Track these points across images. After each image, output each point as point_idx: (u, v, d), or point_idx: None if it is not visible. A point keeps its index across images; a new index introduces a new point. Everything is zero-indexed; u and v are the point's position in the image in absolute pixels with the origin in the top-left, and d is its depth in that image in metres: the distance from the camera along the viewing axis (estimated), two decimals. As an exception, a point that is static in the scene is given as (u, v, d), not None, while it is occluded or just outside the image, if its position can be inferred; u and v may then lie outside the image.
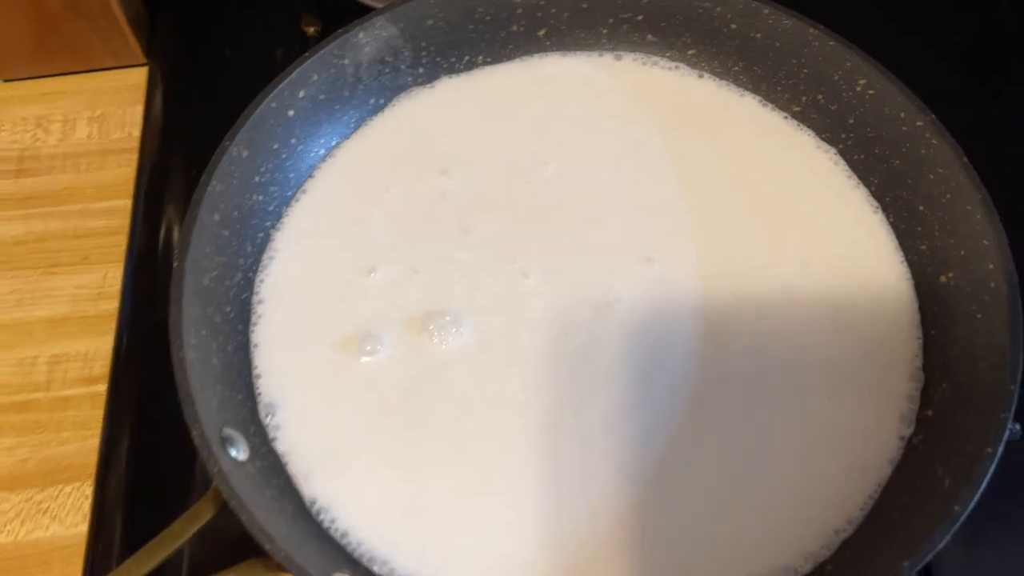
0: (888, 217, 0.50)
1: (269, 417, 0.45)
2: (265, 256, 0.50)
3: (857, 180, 0.52)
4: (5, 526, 0.50)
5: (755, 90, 0.55)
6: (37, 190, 0.61)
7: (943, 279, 0.47)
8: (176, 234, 0.59)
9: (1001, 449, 0.39)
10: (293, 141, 0.51)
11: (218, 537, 0.42)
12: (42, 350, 0.55)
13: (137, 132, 0.64)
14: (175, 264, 0.44)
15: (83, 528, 0.50)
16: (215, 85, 0.67)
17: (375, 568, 0.42)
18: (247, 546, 0.38)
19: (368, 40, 0.53)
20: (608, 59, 0.57)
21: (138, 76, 0.66)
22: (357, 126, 0.54)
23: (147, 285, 0.57)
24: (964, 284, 0.46)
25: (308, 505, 0.43)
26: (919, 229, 0.49)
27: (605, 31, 0.56)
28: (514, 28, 0.56)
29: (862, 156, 0.52)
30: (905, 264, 0.49)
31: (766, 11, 0.52)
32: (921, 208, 0.49)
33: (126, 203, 0.60)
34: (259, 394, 0.46)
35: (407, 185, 0.52)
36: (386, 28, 0.53)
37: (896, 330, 0.47)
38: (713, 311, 0.48)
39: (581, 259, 0.50)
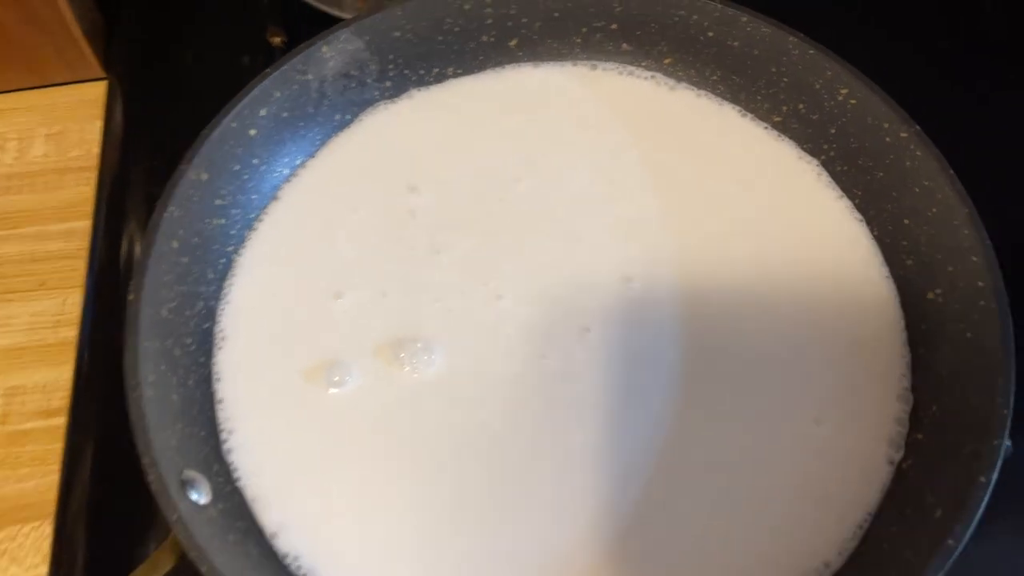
0: (873, 231, 0.49)
1: (233, 455, 0.43)
2: (227, 283, 0.47)
3: (840, 192, 0.50)
4: (-40, 570, 0.48)
5: (734, 100, 0.53)
6: (-9, 212, 0.59)
7: (931, 296, 0.45)
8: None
9: (995, 477, 0.38)
10: (255, 161, 0.49)
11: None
12: (-3, 382, 0.53)
13: (96, 149, 0.61)
14: (130, 297, 0.42)
15: (43, 570, 0.48)
16: (178, 97, 0.64)
17: (346, 613, 0.40)
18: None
19: (332, 54, 0.50)
20: (582, 69, 0.55)
21: (96, 90, 0.64)
22: (322, 143, 0.52)
23: (108, 311, 0.55)
24: (952, 301, 0.44)
25: (275, 549, 0.41)
26: (905, 244, 0.47)
27: (578, 40, 0.54)
28: (484, 39, 0.54)
29: (845, 167, 0.50)
30: (891, 280, 0.47)
31: (744, 19, 0.51)
32: (906, 222, 0.47)
33: (85, 224, 0.58)
34: (222, 430, 0.44)
35: (375, 204, 0.50)
36: (351, 41, 0.51)
37: (883, 348, 0.46)
38: (694, 333, 0.46)
39: (556, 279, 0.48)
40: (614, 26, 0.54)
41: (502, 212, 0.50)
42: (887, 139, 0.48)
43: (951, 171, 0.45)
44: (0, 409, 0.52)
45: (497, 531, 0.42)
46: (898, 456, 0.43)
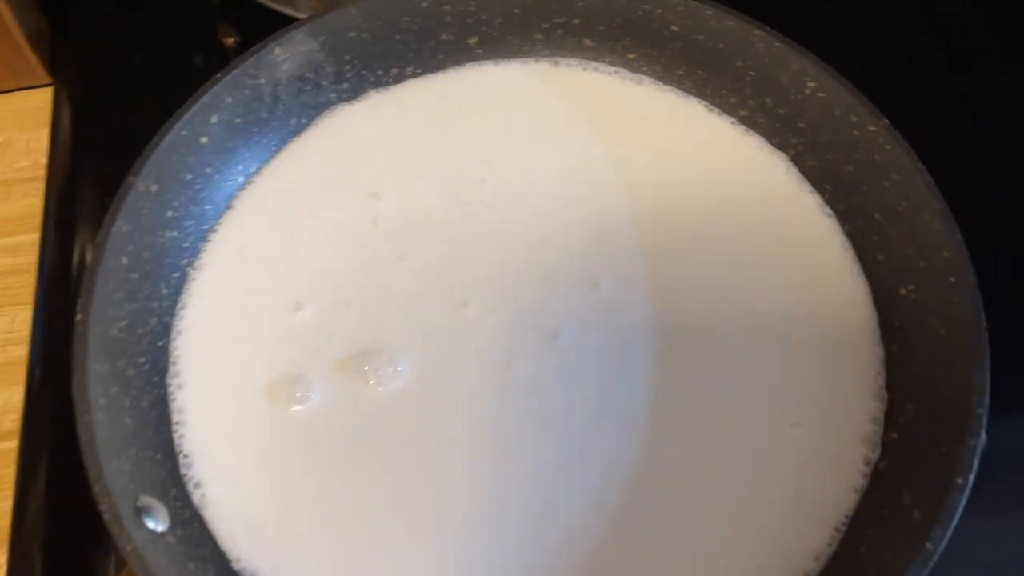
0: (844, 226, 0.48)
1: (191, 477, 0.41)
2: (182, 297, 0.46)
3: (810, 187, 0.49)
4: (-90, 604, 0.46)
5: (700, 95, 0.52)
6: (-67, 228, 0.56)
7: (903, 292, 0.45)
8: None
9: (972, 479, 0.37)
10: (208, 170, 0.47)
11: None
12: (-55, 405, 0.51)
13: (44, 159, 0.59)
14: (77, 317, 0.40)
15: (-3, 600, 0.46)
16: (129, 101, 0.62)
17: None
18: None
19: (286, 56, 0.49)
20: (544, 66, 0.54)
21: (42, 97, 0.61)
22: (278, 149, 0.50)
23: (60, 327, 0.52)
24: (925, 298, 0.43)
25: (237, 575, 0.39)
26: (876, 239, 0.46)
27: (540, 37, 0.53)
28: (443, 37, 0.52)
29: (815, 162, 0.49)
30: (863, 276, 0.47)
31: (708, 12, 0.50)
32: (877, 217, 0.46)
33: (34, 238, 0.56)
34: (180, 452, 0.42)
35: (335, 211, 0.49)
36: (305, 42, 0.49)
37: (857, 347, 0.45)
38: (666, 338, 0.45)
39: (524, 284, 0.47)
40: (576, 21, 0.52)
41: (467, 215, 0.49)
42: (856, 133, 0.47)
43: (921, 164, 0.44)
44: (-52, 434, 0.50)
45: (470, 548, 0.41)
46: (874, 456, 0.42)
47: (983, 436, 0.39)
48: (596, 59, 0.53)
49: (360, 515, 0.41)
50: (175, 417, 0.43)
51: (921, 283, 0.44)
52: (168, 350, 0.44)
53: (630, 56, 0.53)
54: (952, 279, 0.42)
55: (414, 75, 0.53)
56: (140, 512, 0.38)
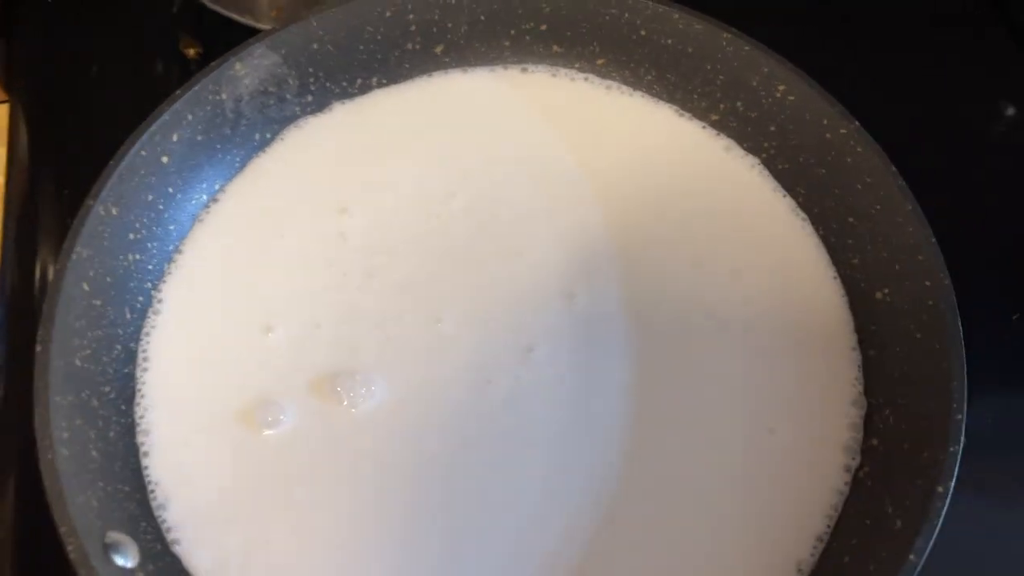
0: (818, 230, 0.48)
1: (162, 510, 0.40)
2: (148, 322, 0.45)
3: (784, 191, 0.49)
4: None
5: (670, 99, 0.51)
6: None
7: (879, 295, 0.45)
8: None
9: (952, 486, 0.37)
10: (170, 190, 0.46)
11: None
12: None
13: (1, 178, 0.57)
14: (37, 349, 0.39)
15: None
16: (88, 115, 0.60)
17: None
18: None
19: (247, 71, 0.48)
20: (513, 72, 0.53)
21: (-3, 114, 0.60)
22: (243, 165, 0.49)
23: (22, 350, 0.51)
24: (900, 301, 0.43)
25: (212, 610, 0.39)
26: (850, 242, 0.46)
27: (507, 43, 0.52)
28: (409, 46, 0.51)
29: (787, 165, 0.49)
30: (838, 280, 0.46)
31: (676, 15, 0.49)
32: (851, 220, 0.46)
33: (-7, 259, 0.54)
34: (149, 483, 0.41)
35: (303, 228, 0.48)
36: (266, 56, 0.48)
37: (833, 352, 0.45)
38: (643, 348, 0.44)
39: (497, 299, 0.46)
40: (543, 27, 0.52)
41: (438, 230, 0.48)
42: (827, 135, 0.46)
43: (893, 167, 0.44)
44: (-91, 467, 0.48)
45: (450, 571, 0.40)
46: (854, 463, 0.42)
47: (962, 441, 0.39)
48: (565, 65, 0.53)
49: (336, 539, 0.41)
50: (143, 447, 0.42)
51: (896, 286, 0.44)
52: (134, 377, 0.43)
53: (599, 61, 0.52)
54: (927, 283, 0.42)
55: (380, 85, 0.52)
56: (108, 549, 0.37)
